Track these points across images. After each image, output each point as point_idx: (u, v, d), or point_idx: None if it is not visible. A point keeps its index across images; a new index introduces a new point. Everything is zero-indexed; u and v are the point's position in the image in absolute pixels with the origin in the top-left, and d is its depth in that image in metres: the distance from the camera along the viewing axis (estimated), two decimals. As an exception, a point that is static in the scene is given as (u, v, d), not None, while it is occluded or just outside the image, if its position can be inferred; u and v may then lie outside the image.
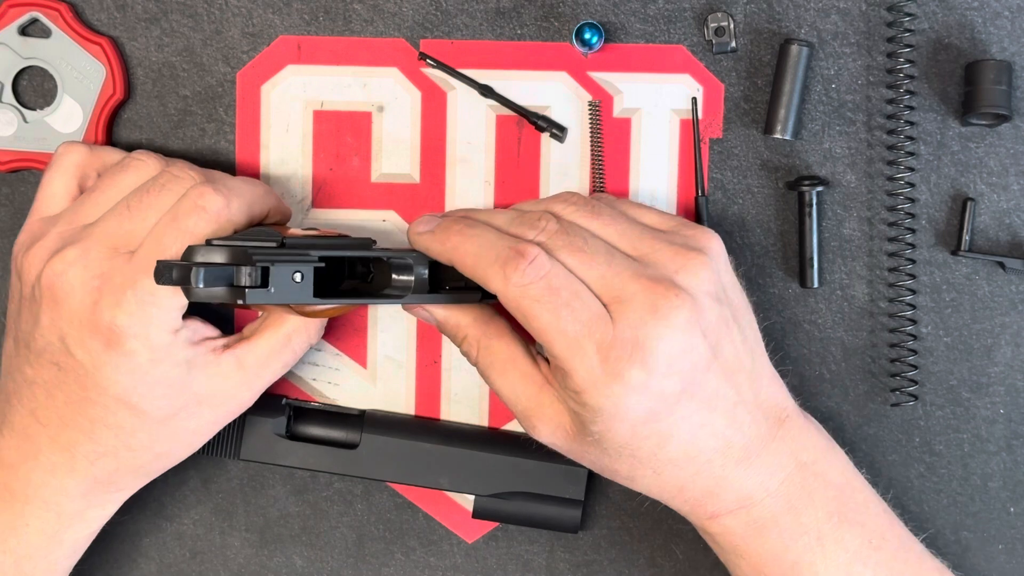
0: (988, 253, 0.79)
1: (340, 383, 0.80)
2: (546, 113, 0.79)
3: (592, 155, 0.79)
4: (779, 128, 0.77)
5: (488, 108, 0.79)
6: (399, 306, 0.79)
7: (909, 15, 0.77)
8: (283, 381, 0.80)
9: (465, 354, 0.74)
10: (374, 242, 0.72)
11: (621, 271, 0.68)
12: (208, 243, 0.67)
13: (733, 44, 0.78)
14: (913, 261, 0.78)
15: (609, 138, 0.79)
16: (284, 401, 0.79)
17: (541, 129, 0.78)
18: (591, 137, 0.79)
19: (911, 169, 0.78)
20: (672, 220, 0.73)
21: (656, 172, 0.79)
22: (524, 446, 0.79)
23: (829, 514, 0.71)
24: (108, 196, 0.72)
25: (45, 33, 0.78)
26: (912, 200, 0.78)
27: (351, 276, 0.72)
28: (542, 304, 0.67)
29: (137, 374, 0.69)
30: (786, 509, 0.70)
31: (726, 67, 0.79)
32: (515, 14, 0.79)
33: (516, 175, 0.79)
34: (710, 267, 0.70)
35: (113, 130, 0.79)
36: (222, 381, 0.72)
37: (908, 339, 0.78)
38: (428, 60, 0.79)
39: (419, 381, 0.80)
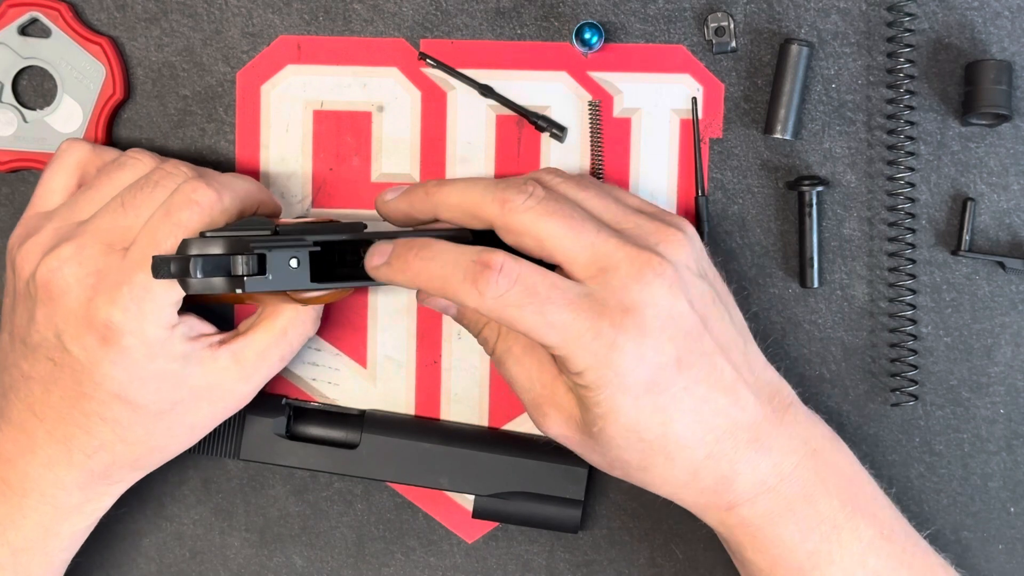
0: (988, 253, 0.79)
1: (340, 383, 0.80)
2: (546, 113, 0.79)
3: (592, 155, 0.79)
4: (779, 128, 0.77)
5: (488, 108, 0.79)
6: (398, 307, 0.79)
7: (909, 15, 0.77)
8: (283, 381, 0.80)
9: (484, 339, 0.73)
10: (365, 226, 0.72)
11: (608, 239, 0.69)
12: (202, 235, 0.68)
13: (733, 44, 0.78)
14: (913, 261, 0.78)
15: (609, 138, 0.79)
16: (284, 401, 0.79)
17: (541, 129, 0.78)
18: (591, 137, 0.79)
19: (911, 169, 0.78)
20: (651, 205, 0.75)
21: (656, 172, 0.79)
22: (524, 446, 0.79)
23: (843, 503, 0.71)
24: (103, 193, 0.72)
25: (45, 33, 0.78)
26: (912, 200, 0.78)
27: (342, 263, 0.72)
28: (523, 308, 0.67)
29: (133, 369, 0.69)
30: (802, 496, 0.70)
31: (726, 67, 0.79)
32: (515, 14, 0.79)
33: (516, 175, 0.79)
34: (690, 245, 0.71)
35: (113, 130, 0.79)
36: (219, 376, 0.72)
37: (908, 339, 0.78)
38: (428, 60, 0.79)
39: (419, 381, 0.80)
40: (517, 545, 0.81)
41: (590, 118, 0.79)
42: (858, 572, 0.71)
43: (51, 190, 0.74)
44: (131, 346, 0.69)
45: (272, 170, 0.79)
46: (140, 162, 0.73)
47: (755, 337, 0.74)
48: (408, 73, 0.79)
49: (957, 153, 0.78)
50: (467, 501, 0.80)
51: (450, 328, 0.80)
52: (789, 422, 0.71)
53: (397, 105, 0.79)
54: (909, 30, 0.77)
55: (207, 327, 0.73)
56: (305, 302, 0.72)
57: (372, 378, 0.80)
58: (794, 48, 0.77)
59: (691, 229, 0.72)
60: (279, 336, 0.74)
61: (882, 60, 0.78)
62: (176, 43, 0.79)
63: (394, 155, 0.79)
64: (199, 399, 0.72)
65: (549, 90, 0.79)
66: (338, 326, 0.80)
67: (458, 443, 0.78)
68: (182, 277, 0.64)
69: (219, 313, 0.79)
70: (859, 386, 0.79)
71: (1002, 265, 0.78)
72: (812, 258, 0.78)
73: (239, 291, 0.65)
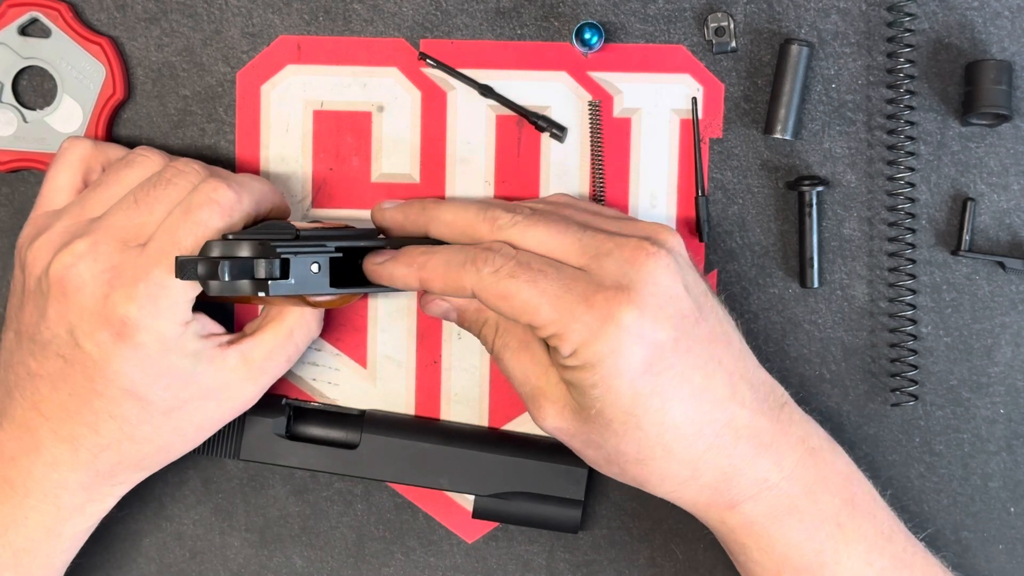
0: (988, 253, 0.79)
1: (340, 383, 0.80)
2: (546, 113, 0.79)
3: (592, 155, 0.79)
4: (779, 128, 0.77)
5: (488, 108, 0.79)
6: (398, 307, 0.79)
7: (909, 15, 0.77)
8: (283, 381, 0.80)
9: (483, 337, 0.74)
10: (378, 232, 0.73)
11: (596, 234, 0.69)
12: (225, 237, 0.68)
13: (733, 44, 0.78)
14: (913, 261, 0.78)
15: (609, 138, 0.79)
16: (284, 401, 0.79)
17: (541, 129, 0.78)
18: (591, 137, 0.79)
19: (911, 169, 0.78)
20: (632, 217, 0.75)
21: (656, 172, 0.79)
22: (524, 446, 0.79)
23: (844, 502, 0.71)
24: (113, 191, 0.72)
25: (45, 33, 0.78)
26: (912, 200, 0.78)
27: (354, 268, 0.73)
28: (517, 279, 0.67)
29: (145, 365, 0.70)
30: (804, 493, 0.70)
31: (726, 67, 0.79)
32: (515, 14, 0.79)
33: (516, 175, 0.79)
34: (678, 240, 0.71)
35: (113, 130, 0.79)
36: (228, 375, 0.73)
37: (908, 339, 0.78)
38: (428, 60, 0.79)
39: (419, 381, 0.80)
40: (517, 545, 0.81)
41: (590, 118, 0.79)
42: (865, 571, 0.71)
43: (56, 188, 0.74)
44: (145, 342, 0.69)
45: (272, 170, 0.79)
46: (149, 160, 0.73)
47: (755, 337, 0.74)
48: (408, 73, 0.79)
49: (957, 153, 0.78)
50: (467, 501, 0.80)
51: (450, 328, 0.80)
52: (785, 420, 0.71)
53: (397, 105, 0.79)
54: (909, 30, 0.77)
55: (217, 327, 0.74)
56: (316, 305, 0.73)
57: (372, 378, 0.80)
58: (794, 48, 0.77)
59: (675, 231, 0.72)
60: (286, 337, 0.75)
61: (882, 60, 0.78)
62: (176, 43, 0.79)
63: (394, 155, 0.79)
64: (207, 398, 0.72)
65: (549, 90, 0.79)
66: (338, 326, 0.80)
67: (458, 443, 0.78)
68: (209, 279, 0.65)
69: (220, 310, 0.79)
70: (859, 386, 0.79)
71: (1002, 265, 0.79)
72: (812, 258, 0.78)
73: (262, 294, 0.66)
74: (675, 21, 0.78)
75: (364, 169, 0.79)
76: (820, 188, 0.78)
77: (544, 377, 0.71)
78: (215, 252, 0.66)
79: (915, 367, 0.78)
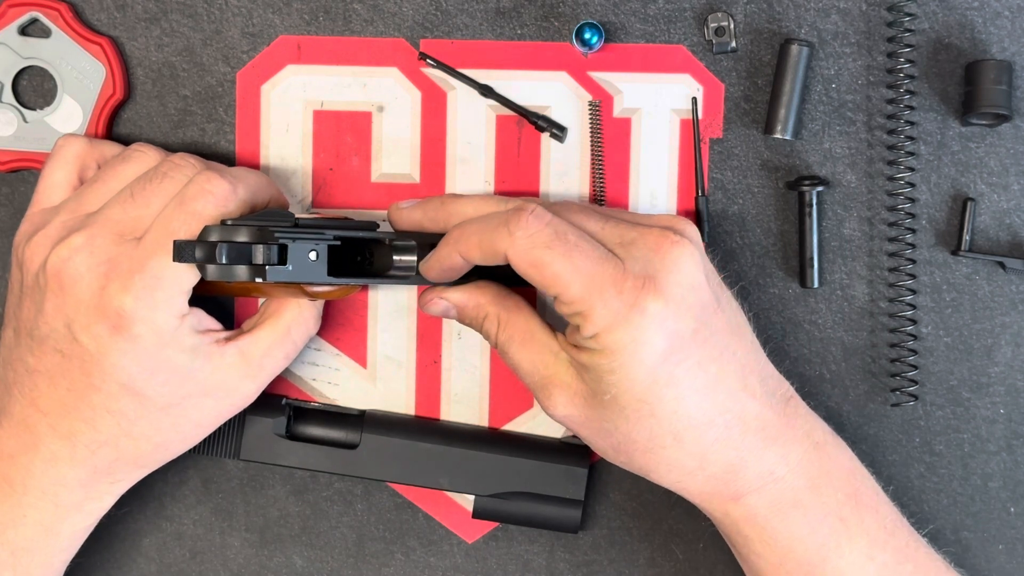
0: (988, 253, 0.79)
1: (340, 383, 0.80)
2: (546, 113, 0.79)
3: (592, 155, 0.79)
4: (779, 128, 0.77)
5: (488, 108, 0.79)
6: (398, 307, 0.79)
7: (909, 15, 0.77)
8: (283, 381, 0.80)
9: (486, 332, 0.74)
10: (378, 225, 0.73)
11: (617, 224, 0.70)
12: (223, 223, 0.68)
13: (733, 44, 0.78)
14: (913, 261, 0.78)
15: (609, 138, 0.79)
16: (284, 401, 0.79)
17: (541, 129, 0.78)
18: (591, 137, 0.79)
19: (911, 169, 0.78)
20: (648, 215, 0.75)
21: (656, 172, 0.79)
22: (524, 446, 0.79)
23: (848, 496, 0.71)
24: (110, 186, 0.72)
25: (45, 33, 0.78)
26: (912, 200, 0.78)
27: (352, 260, 0.73)
28: (553, 250, 0.67)
29: (142, 359, 0.70)
30: (808, 487, 0.70)
31: (726, 67, 0.79)
32: (515, 14, 0.79)
33: (516, 175, 0.79)
34: (697, 233, 0.72)
35: (113, 130, 0.79)
36: (225, 372, 0.72)
37: (908, 339, 0.78)
38: (428, 60, 0.79)
39: (419, 381, 0.80)
40: (517, 545, 0.81)
41: (590, 118, 0.79)
42: (867, 565, 0.71)
43: (52, 185, 0.74)
44: (142, 334, 0.69)
45: (272, 170, 0.79)
46: (146, 155, 0.73)
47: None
48: (408, 73, 0.79)
49: (957, 153, 0.78)
50: (467, 501, 0.80)
51: (450, 328, 0.80)
52: (792, 414, 0.71)
53: (397, 105, 0.79)
54: (909, 30, 0.77)
55: (214, 323, 0.74)
56: (314, 296, 0.73)
57: (372, 378, 0.80)
58: (794, 48, 0.77)
59: (693, 224, 0.73)
60: (284, 334, 0.74)
61: (882, 60, 0.78)
62: (176, 43, 0.79)
63: (394, 155, 0.79)
64: (205, 395, 0.72)
65: (549, 90, 0.79)
66: (338, 326, 0.80)
67: (458, 443, 0.78)
68: (206, 262, 0.65)
69: (219, 305, 0.79)
70: (859, 386, 0.80)
71: (1002, 265, 0.79)
72: (812, 258, 0.78)
73: (259, 280, 0.66)
74: (675, 21, 0.78)
75: (364, 169, 0.79)
76: (820, 188, 0.78)
77: (554, 364, 0.71)
78: (213, 236, 0.66)
79: (915, 367, 0.78)
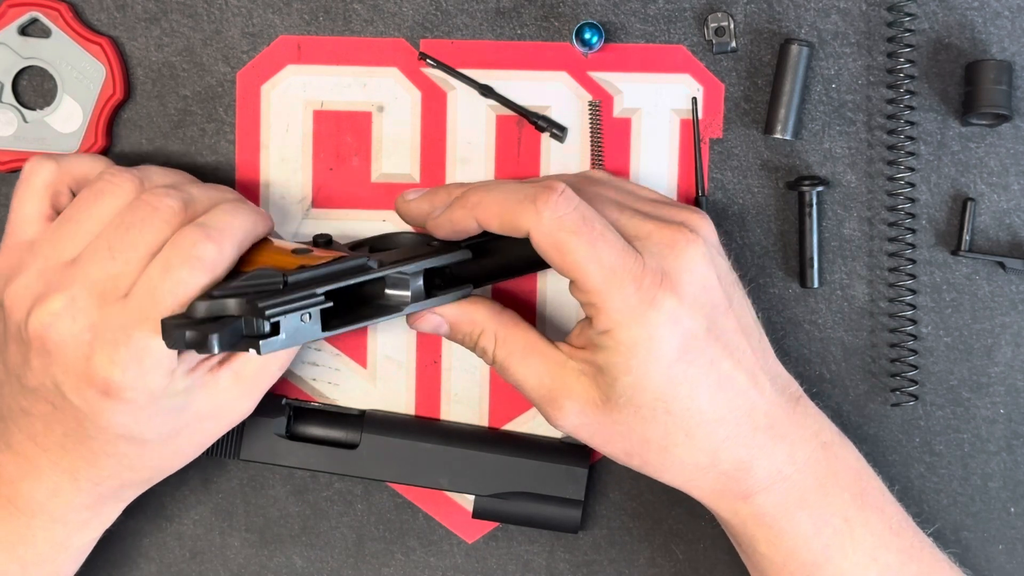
0: (988, 253, 0.79)
1: (340, 383, 0.80)
2: (546, 113, 0.79)
3: (592, 155, 0.79)
4: (779, 128, 0.77)
5: (488, 108, 0.79)
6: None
7: (909, 15, 0.77)
8: (283, 381, 0.80)
9: (482, 350, 0.73)
10: (368, 259, 0.70)
11: (632, 217, 0.70)
12: (210, 295, 0.66)
13: (733, 44, 0.78)
14: (913, 261, 0.78)
15: (609, 138, 0.79)
16: (284, 401, 0.79)
17: (541, 129, 0.78)
18: (591, 137, 0.79)
19: (911, 169, 0.78)
20: (666, 197, 0.76)
21: (656, 172, 0.79)
22: (524, 446, 0.79)
23: (853, 496, 0.71)
24: (85, 228, 0.69)
25: (45, 33, 0.78)
26: (912, 200, 0.78)
27: (346, 301, 0.71)
28: (579, 236, 0.67)
29: (137, 414, 0.68)
30: (815, 486, 0.70)
31: (726, 67, 0.79)
32: (515, 14, 0.79)
33: (516, 175, 0.79)
34: (711, 226, 0.72)
35: (113, 130, 0.79)
36: (221, 397, 0.72)
37: (908, 339, 0.78)
38: (428, 60, 0.79)
39: (419, 381, 0.80)
40: (517, 545, 0.81)
41: (590, 118, 0.79)
42: (870, 566, 0.71)
43: (24, 219, 0.71)
44: (134, 398, 0.68)
45: (272, 170, 0.79)
46: (119, 187, 0.69)
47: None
48: (408, 73, 0.79)
49: (957, 153, 0.78)
50: (467, 501, 0.80)
51: (450, 328, 0.80)
52: (800, 413, 0.71)
53: (397, 105, 0.79)
54: (909, 30, 0.77)
55: None
56: None
57: (372, 378, 0.80)
58: (794, 48, 0.77)
59: (708, 217, 0.73)
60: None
61: (882, 60, 0.78)
62: (176, 43, 0.79)
63: (394, 155, 0.79)
64: (203, 420, 0.72)
65: (549, 90, 0.79)
66: (338, 326, 0.80)
67: (458, 443, 0.78)
68: (198, 349, 0.63)
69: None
70: (859, 386, 0.79)
71: (1002, 265, 0.78)
72: (812, 258, 0.78)
73: (253, 352, 0.64)
74: (675, 21, 0.78)
75: (364, 169, 0.79)
76: (820, 188, 0.78)
77: (561, 376, 0.71)
78: (198, 313, 0.64)
79: (915, 367, 0.78)
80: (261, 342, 0.63)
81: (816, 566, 0.71)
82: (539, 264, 0.70)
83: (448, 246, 0.72)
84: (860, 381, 0.79)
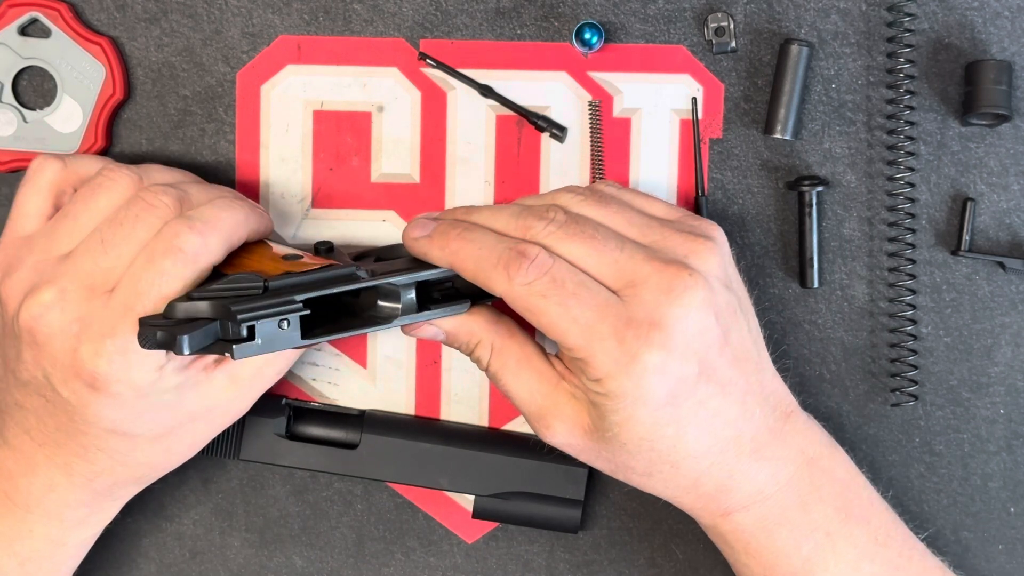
0: (988, 253, 0.79)
1: (340, 383, 0.80)
2: (546, 113, 0.79)
3: (592, 155, 0.79)
4: (779, 128, 0.77)
5: (488, 108, 0.79)
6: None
7: (909, 15, 0.77)
8: (283, 381, 0.80)
9: (477, 360, 0.73)
10: (358, 268, 0.69)
11: (633, 255, 0.68)
12: (189, 296, 0.65)
13: (733, 44, 0.78)
14: (913, 261, 0.78)
15: (609, 138, 0.79)
16: (284, 401, 0.79)
17: (541, 129, 0.78)
18: (591, 137, 0.79)
19: (911, 169, 0.78)
20: (677, 211, 0.74)
21: (656, 172, 0.79)
22: (524, 446, 0.79)
23: (837, 510, 0.71)
24: (82, 223, 0.69)
25: (45, 33, 0.78)
26: (912, 200, 0.78)
27: (330, 310, 0.70)
28: (548, 299, 0.67)
29: (125, 409, 0.68)
30: (796, 504, 0.70)
31: (726, 67, 0.79)
32: (515, 14, 0.79)
33: (516, 175, 0.79)
34: (718, 253, 0.70)
35: (113, 130, 0.79)
36: (215, 397, 0.71)
37: (908, 339, 0.78)
38: (428, 60, 0.79)
39: (419, 381, 0.80)
40: (517, 545, 0.81)
41: (590, 118, 0.79)
42: None
43: (26, 215, 0.72)
44: (121, 392, 0.68)
45: (272, 170, 0.79)
46: (117, 183, 0.70)
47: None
48: (408, 73, 0.79)
49: (957, 153, 0.78)
50: (467, 501, 0.80)
51: (450, 328, 0.80)
52: (789, 431, 0.71)
53: (397, 105, 0.79)
54: (909, 30, 0.77)
55: None
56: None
57: (372, 378, 0.80)
58: (794, 48, 0.77)
59: (720, 235, 0.72)
60: (275, 353, 0.72)
61: (882, 60, 0.78)
62: (176, 43, 0.79)
63: (394, 155, 0.79)
64: (195, 420, 0.72)
65: (549, 90, 0.79)
66: (338, 326, 0.80)
67: (458, 443, 0.78)
68: (169, 349, 0.62)
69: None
70: (859, 386, 0.79)
71: (1002, 265, 0.78)
72: (812, 258, 0.78)
73: (227, 355, 0.63)
74: (675, 21, 0.78)
75: (364, 169, 0.79)
76: (820, 188, 0.78)
77: (553, 395, 0.71)
78: (176, 314, 0.64)
79: (915, 367, 0.78)
80: (235, 346, 0.63)
81: None
82: None
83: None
84: (860, 381, 0.79)
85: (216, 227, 0.68)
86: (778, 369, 0.74)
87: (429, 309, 0.71)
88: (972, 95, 0.76)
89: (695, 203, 0.78)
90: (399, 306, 0.69)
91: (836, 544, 0.70)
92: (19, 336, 0.68)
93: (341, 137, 0.79)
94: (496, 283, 0.68)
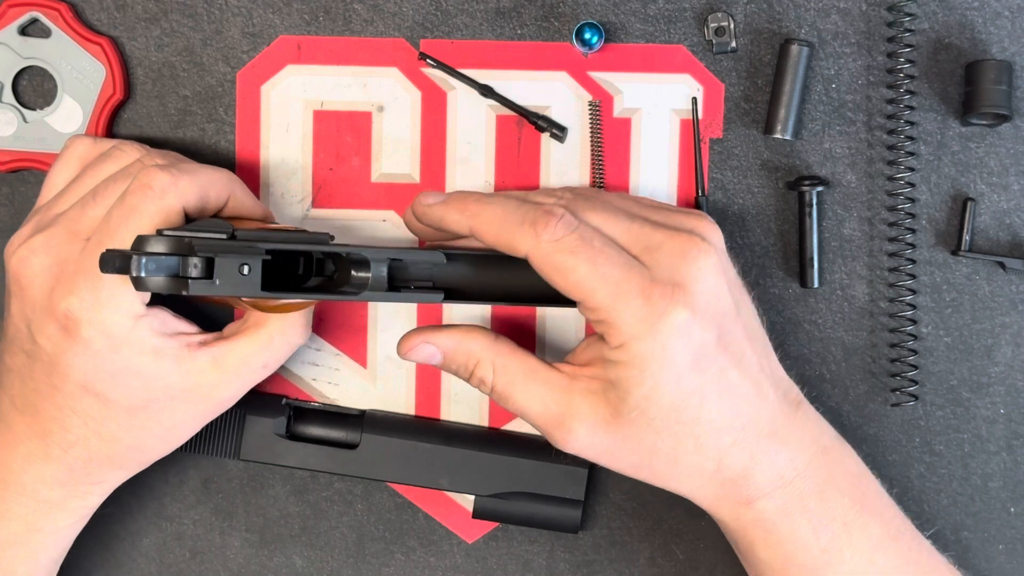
0: (988, 253, 0.79)
1: (340, 383, 0.80)
2: (546, 113, 0.79)
3: (592, 155, 0.79)
4: (779, 128, 0.77)
5: (488, 108, 0.79)
6: (400, 305, 0.79)
7: (909, 15, 0.77)
8: (283, 381, 0.80)
9: (480, 382, 0.72)
10: (331, 237, 0.69)
11: (643, 225, 0.69)
12: (159, 233, 0.66)
13: (733, 44, 0.78)
14: (913, 261, 0.78)
15: (609, 138, 0.79)
16: (284, 401, 0.79)
17: (541, 129, 0.78)
18: (591, 137, 0.79)
19: (911, 169, 0.78)
20: (673, 206, 0.75)
21: (656, 172, 0.79)
22: (524, 446, 0.79)
23: (853, 501, 0.71)
24: (85, 185, 0.72)
25: (45, 33, 0.78)
26: (912, 200, 0.78)
27: (318, 273, 0.71)
28: (578, 255, 0.67)
29: (96, 361, 0.69)
30: (815, 492, 0.70)
31: (726, 67, 0.79)
32: (515, 14, 0.79)
33: (516, 175, 0.79)
34: (720, 235, 0.71)
35: (113, 130, 0.79)
36: (196, 377, 0.71)
37: (908, 339, 0.78)
38: (428, 60, 0.79)
39: (419, 381, 0.80)
40: (517, 545, 0.81)
41: (590, 118, 0.79)
42: (868, 570, 0.71)
43: (53, 186, 0.74)
44: (91, 337, 0.68)
45: (272, 170, 0.79)
46: (124, 153, 0.72)
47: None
48: (408, 73, 0.79)
49: (957, 153, 0.78)
50: (467, 501, 0.80)
51: (450, 328, 0.80)
52: (801, 418, 0.71)
53: (397, 105, 0.79)
54: (909, 30, 0.77)
55: (185, 325, 0.72)
56: (268, 309, 0.70)
57: (372, 378, 0.80)
58: (794, 48, 0.77)
59: (715, 224, 0.72)
60: (264, 344, 0.72)
61: (882, 60, 0.78)
62: (176, 43, 0.79)
63: (394, 155, 0.79)
64: (174, 399, 0.71)
65: (549, 90, 0.79)
66: (338, 326, 0.80)
67: (458, 443, 0.78)
68: (128, 273, 0.63)
69: (207, 313, 0.79)
70: (859, 386, 0.80)
71: (1002, 265, 0.79)
72: (812, 258, 0.78)
73: (184, 292, 0.64)
74: (675, 21, 0.78)
75: (364, 169, 0.79)
76: (820, 188, 0.78)
77: (567, 398, 0.70)
78: (144, 248, 0.64)
79: (915, 367, 0.78)
80: (191, 281, 0.64)
81: (814, 570, 0.71)
82: (538, 300, 0.71)
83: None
84: (860, 381, 0.79)
85: (190, 174, 0.69)
86: (778, 369, 0.74)
87: (400, 291, 0.70)
88: (972, 95, 0.76)
89: (695, 203, 0.78)
90: (368, 275, 0.68)
91: (852, 535, 0.71)
92: (11, 287, 0.70)
93: (341, 137, 0.79)
94: (521, 242, 0.67)
